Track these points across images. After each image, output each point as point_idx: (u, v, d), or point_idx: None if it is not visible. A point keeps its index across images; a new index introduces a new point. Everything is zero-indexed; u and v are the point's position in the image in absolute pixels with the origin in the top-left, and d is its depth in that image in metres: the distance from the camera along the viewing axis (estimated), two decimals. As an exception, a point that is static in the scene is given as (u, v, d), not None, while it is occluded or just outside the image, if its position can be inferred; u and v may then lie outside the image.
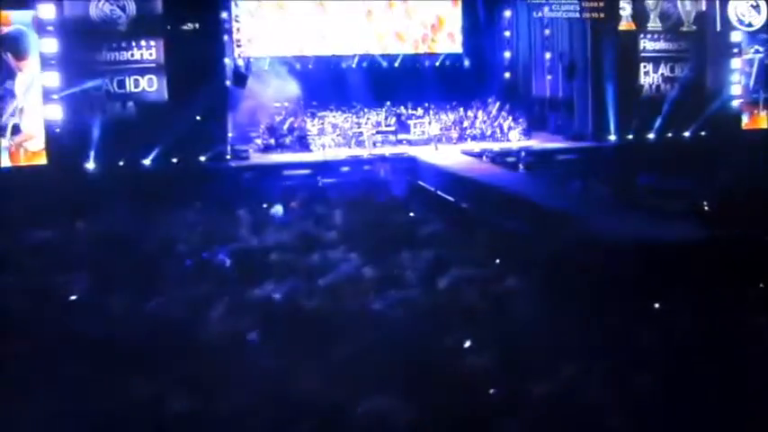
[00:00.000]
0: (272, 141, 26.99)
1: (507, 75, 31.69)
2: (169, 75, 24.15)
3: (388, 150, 26.85)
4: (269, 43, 28.79)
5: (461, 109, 29.72)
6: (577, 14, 27.76)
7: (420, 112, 29.33)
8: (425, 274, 15.20)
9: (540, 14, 28.96)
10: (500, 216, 18.84)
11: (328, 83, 29.46)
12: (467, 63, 31.56)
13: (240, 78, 26.19)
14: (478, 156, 25.98)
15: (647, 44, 28.25)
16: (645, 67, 28.34)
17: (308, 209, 20.68)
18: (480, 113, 29.45)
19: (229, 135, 25.98)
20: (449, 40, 31.33)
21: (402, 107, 29.62)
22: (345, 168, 24.96)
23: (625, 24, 27.75)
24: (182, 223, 19.23)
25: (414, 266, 15.80)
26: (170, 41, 24.15)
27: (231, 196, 21.58)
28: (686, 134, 28.15)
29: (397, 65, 30.83)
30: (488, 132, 28.80)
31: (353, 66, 30.43)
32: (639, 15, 28.01)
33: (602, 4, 27.41)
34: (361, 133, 27.40)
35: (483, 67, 31.75)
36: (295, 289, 14.43)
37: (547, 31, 29.34)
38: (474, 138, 28.56)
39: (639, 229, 15.81)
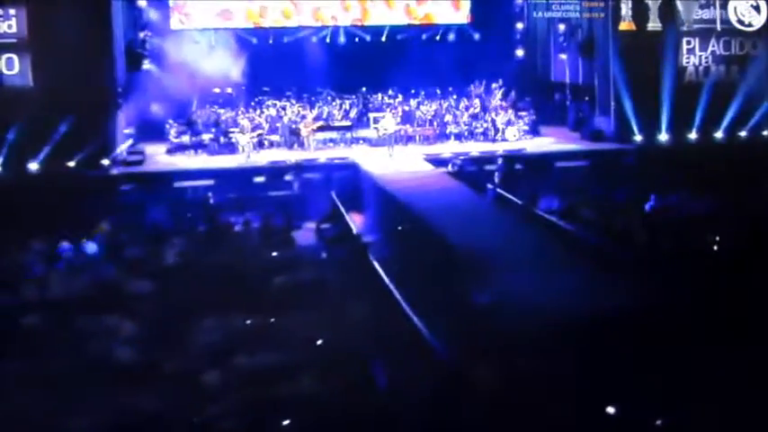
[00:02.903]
0: (186, 139, 21.03)
1: (520, 53, 24.71)
2: (36, 53, 19.30)
3: (330, 154, 20.56)
4: (211, 12, 22.90)
5: (454, 96, 23.33)
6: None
7: (399, 100, 23.10)
8: (202, 362, 9.87)
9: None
10: (400, 268, 12.45)
11: (290, 63, 23.81)
12: (476, 37, 25.02)
13: (133, 58, 20.33)
14: (444, 163, 19.42)
15: (690, 13, 21.24)
16: (689, 43, 21.13)
17: (149, 241, 14.75)
18: (476, 103, 22.92)
19: (126, 132, 20.39)
20: (452, 8, 24.87)
21: (380, 94, 23.60)
22: (259, 179, 18.95)
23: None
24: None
25: (202, 345, 10.36)
26: (37, 10, 19.13)
27: (69, 220, 15.56)
28: (742, 134, 21.09)
29: (383, 39, 24.70)
30: (480, 128, 22.10)
31: (327, 40, 24.42)
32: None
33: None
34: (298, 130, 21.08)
35: (492, 43, 25.06)
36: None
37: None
38: (459, 136, 22.05)
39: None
